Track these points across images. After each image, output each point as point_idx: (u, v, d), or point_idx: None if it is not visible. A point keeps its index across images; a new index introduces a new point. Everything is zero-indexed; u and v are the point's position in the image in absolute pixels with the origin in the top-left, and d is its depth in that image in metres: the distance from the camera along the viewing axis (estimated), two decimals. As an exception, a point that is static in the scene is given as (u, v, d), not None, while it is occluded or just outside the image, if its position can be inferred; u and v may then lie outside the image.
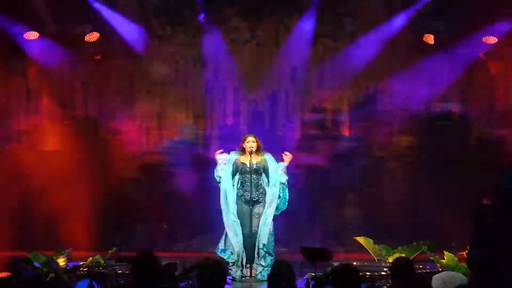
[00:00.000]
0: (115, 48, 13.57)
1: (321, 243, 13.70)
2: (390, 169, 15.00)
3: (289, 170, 10.16)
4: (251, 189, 9.61)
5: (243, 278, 9.65)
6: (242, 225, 9.79)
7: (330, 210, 15.22)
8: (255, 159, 9.71)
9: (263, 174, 9.83)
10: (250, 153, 9.68)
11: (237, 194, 9.80)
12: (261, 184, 9.78)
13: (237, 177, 9.84)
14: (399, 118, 13.89)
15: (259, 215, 9.74)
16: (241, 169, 9.75)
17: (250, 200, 9.64)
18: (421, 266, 10.32)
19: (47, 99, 14.13)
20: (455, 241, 11.57)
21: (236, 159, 9.83)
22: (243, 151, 9.84)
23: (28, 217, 13.93)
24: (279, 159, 9.98)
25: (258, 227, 9.71)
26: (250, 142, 9.75)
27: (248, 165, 9.67)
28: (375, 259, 10.99)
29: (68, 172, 14.39)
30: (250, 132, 10.40)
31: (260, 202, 9.74)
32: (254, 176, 9.67)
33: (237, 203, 9.79)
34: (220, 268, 5.14)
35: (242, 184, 9.77)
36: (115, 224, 14.79)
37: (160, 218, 14.95)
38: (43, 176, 13.89)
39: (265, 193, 9.77)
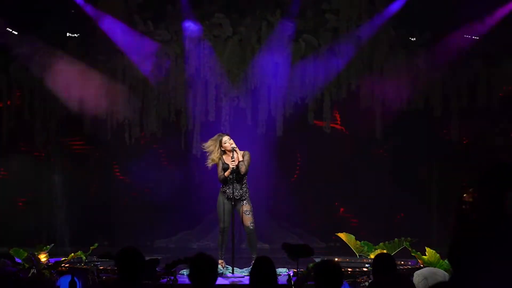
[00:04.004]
0: (97, 44, 13.51)
1: (303, 240, 13.76)
2: (372, 166, 15.06)
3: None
4: (234, 186, 9.66)
5: (224, 274, 9.67)
6: (219, 219, 9.88)
7: (312, 207, 15.27)
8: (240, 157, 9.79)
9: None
10: (231, 150, 9.73)
11: (219, 189, 9.88)
12: (245, 182, 9.84)
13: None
14: (381, 115, 13.91)
15: (248, 211, 9.81)
16: (225, 168, 9.79)
17: (232, 198, 9.69)
18: (402, 262, 10.36)
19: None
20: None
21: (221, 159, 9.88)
22: (224, 152, 9.87)
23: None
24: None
25: (250, 223, 9.79)
26: (227, 142, 9.82)
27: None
28: (356, 255, 11.04)
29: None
30: (226, 131, 10.54)
31: (244, 199, 9.80)
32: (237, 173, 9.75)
33: (219, 197, 9.87)
34: (212, 262, 5.11)
35: (226, 181, 9.82)
36: (97, 220, 14.78)
37: (142, 215, 14.95)
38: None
39: (248, 191, 9.84)
